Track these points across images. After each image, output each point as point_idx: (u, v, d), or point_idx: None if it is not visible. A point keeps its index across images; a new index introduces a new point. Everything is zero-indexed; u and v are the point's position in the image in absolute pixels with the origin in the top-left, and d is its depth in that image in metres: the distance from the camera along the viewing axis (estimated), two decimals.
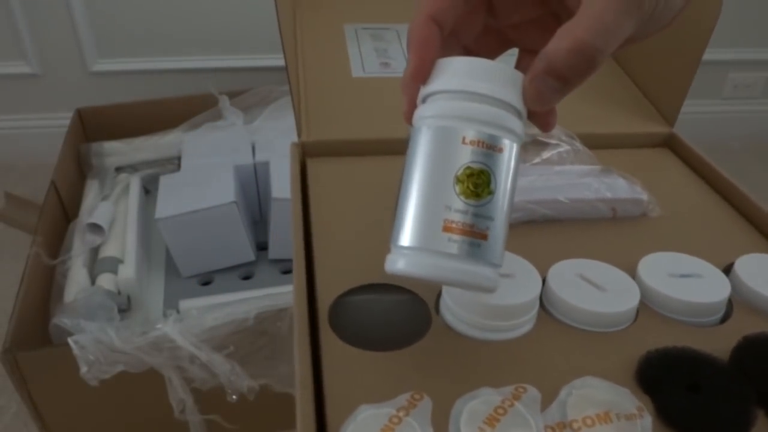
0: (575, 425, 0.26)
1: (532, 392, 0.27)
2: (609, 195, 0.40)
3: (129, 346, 0.60)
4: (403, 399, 0.26)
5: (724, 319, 0.33)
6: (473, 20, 0.28)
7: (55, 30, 1.18)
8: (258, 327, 0.64)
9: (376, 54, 0.59)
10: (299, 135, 0.46)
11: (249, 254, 0.80)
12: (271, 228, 0.79)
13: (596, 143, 0.46)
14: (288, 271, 0.81)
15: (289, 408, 0.76)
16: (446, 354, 0.29)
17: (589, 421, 0.26)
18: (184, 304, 0.73)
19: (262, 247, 0.83)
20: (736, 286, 0.34)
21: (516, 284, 0.30)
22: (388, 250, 0.28)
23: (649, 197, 0.41)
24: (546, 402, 0.27)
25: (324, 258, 0.35)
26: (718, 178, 0.45)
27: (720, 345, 0.30)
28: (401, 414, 0.26)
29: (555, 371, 0.28)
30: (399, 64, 0.57)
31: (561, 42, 0.23)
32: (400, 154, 0.41)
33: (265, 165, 0.84)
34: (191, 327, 0.62)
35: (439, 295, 0.32)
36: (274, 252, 0.81)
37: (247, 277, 0.80)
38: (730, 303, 0.34)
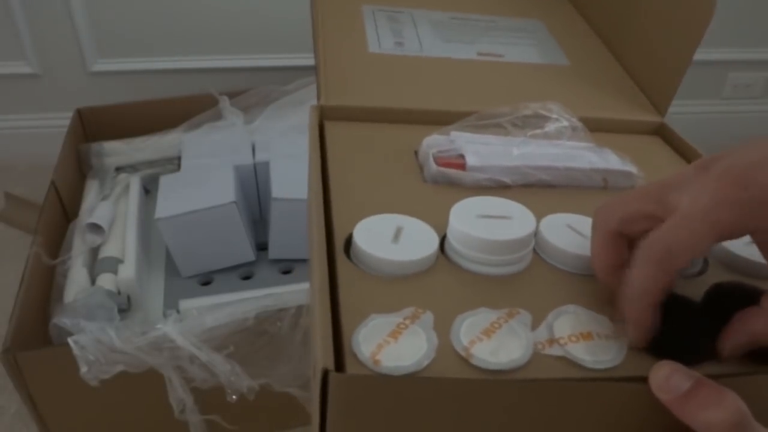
0: (561, 341, 0.30)
1: (525, 314, 0.31)
2: (602, 166, 0.44)
3: (129, 346, 0.60)
4: (408, 311, 0.30)
5: (700, 273, 0.36)
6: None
7: (55, 30, 1.18)
8: (258, 327, 0.64)
9: (391, 33, 0.63)
10: (319, 99, 0.50)
11: (249, 254, 0.80)
12: (271, 228, 0.79)
13: (589, 126, 0.49)
14: (288, 271, 0.81)
15: (289, 408, 0.77)
16: (449, 283, 0.33)
17: (573, 338, 0.30)
18: (184, 304, 0.73)
19: (262, 247, 0.83)
20: (713, 247, 0.37)
21: (513, 224, 0.34)
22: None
23: (639, 171, 0.45)
24: (536, 325, 0.31)
25: (339, 199, 0.39)
26: None
27: (695, 293, 0.33)
28: (407, 322, 0.30)
29: (545, 302, 0.32)
30: (412, 44, 0.62)
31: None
32: (409, 123, 0.49)
33: (265, 165, 0.84)
34: (191, 327, 0.62)
35: (444, 236, 0.36)
36: (274, 252, 0.81)
37: (247, 277, 0.80)
38: (706, 261, 0.37)
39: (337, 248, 0.34)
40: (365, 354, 0.27)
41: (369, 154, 0.45)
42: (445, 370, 0.28)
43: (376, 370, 0.27)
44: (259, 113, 1.00)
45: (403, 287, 0.32)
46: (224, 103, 1.01)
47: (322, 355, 0.26)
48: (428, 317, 0.30)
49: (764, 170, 0.26)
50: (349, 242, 0.35)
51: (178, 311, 0.72)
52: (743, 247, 0.37)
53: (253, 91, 1.04)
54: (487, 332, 0.29)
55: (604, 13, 0.69)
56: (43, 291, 0.72)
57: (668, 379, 0.26)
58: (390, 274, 0.33)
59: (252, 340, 0.64)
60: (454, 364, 0.28)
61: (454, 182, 0.42)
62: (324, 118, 0.48)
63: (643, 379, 0.27)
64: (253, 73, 1.25)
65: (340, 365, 0.27)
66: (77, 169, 0.95)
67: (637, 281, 0.28)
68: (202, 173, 0.82)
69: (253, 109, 1.02)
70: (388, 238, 0.34)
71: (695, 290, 0.33)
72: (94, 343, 0.59)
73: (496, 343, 0.29)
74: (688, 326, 0.31)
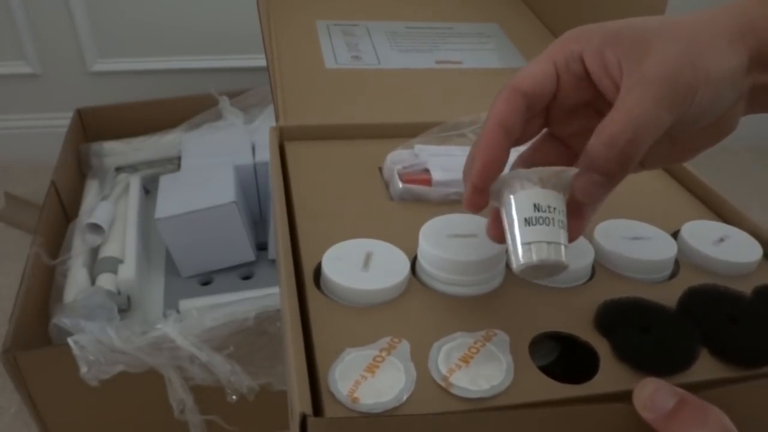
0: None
1: (502, 335, 0.30)
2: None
3: (129, 346, 0.60)
4: (383, 342, 0.30)
5: (671, 276, 0.36)
6: (531, 129, 0.31)
7: (55, 30, 1.18)
8: (258, 327, 0.64)
9: (347, 48, 0.62)
10: (277, 120, 0.49)
11: (249, 254, 0.80)
12: (271, 228, 0.79)
13: None
14: None
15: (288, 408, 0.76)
16: (422, 308, 0.32)
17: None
18: (184, 304, 0.73)
19: (262, 247, 0.83)
20: (682, 248, 0.38)
21: (483, 242, 0.33)
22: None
23: None
24: (513, 344, 0.30)
25: (305, 225, 0.38)
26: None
27: (668, 297, 0.33)
28: (383, 354, 0.29)
29: (522, 320, 0.32)
30: (369, 57, 0.61)
31: (597, 138, 0.26)
32: (371, 138, 0.48)
33: (265, 165, 0.84)
34: (191, 327, 0.62)
35: (415, 257, 0.35)
36: (274, 252, 0.81)
37: (247, 277, 0.80)
38: (677, 263, 0.37)
39: (307, 278, 0.34)
40: (342, 392, 0.27)
41: (333, 174, 0.44)
42: (425, 403, 0.27)
43: (355, 409, 0.26)
44: (259, 113, 1.00)
45: (376, 316, 0.31)
46: (224, 103, 1.01)
47: (299, 399, 0.25)
48: (405, 347, 0.29)
49: (694, 69, 0.25)
50: (318, 272, 0.34)
51: (178, 311, 0.72)
52: (713, 248, 0.37)
53: (253, 91, 1.04)
54: (465, 359, 0.29)
55: (558, 12, 0.68)
56: (43, 291, 0.72)
57: (652, 397, 0.26)
58: (362, 303, 0.32)
59: (252, 340, 0.64)
60: (434, 395, 0.27)
61: (421, 198, 0.41)
62: (284, 138, 0.47)
63: (628, 395, 0.27)
64: (253, 73, 1.25)
65: (317, 406, 0.26)
66: (77, 169, 0.95)
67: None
68: (202, 173, 0.82)
69: (253, 109, 1.02)
70: (357, 265, 0.33)
71: (669, 294, 0.33)
72: (94, 343, 0.59)
73: (474, 369, 0.28)
74: (668, 333, 0.30)
